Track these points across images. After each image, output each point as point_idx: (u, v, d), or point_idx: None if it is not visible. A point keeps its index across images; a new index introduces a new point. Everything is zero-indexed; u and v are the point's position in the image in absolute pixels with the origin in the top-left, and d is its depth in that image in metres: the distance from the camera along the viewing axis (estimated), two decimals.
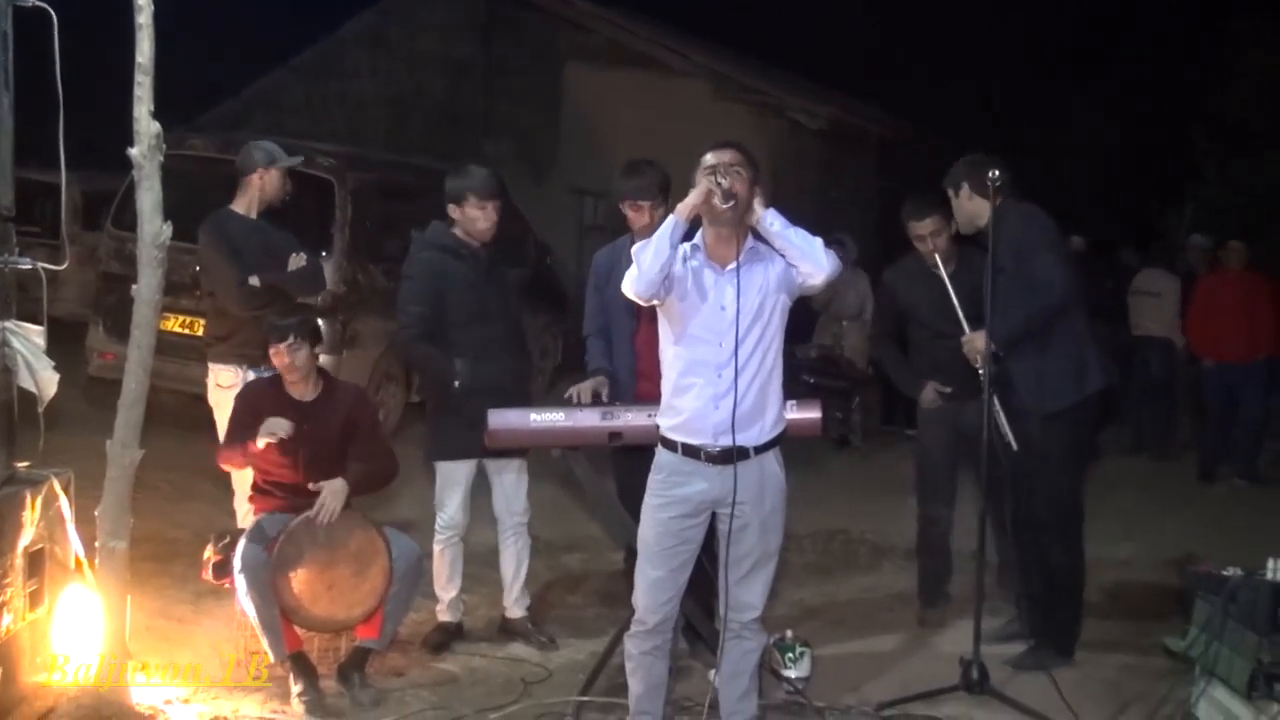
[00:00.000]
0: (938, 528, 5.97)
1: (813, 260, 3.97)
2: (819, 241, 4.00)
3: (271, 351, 4.97)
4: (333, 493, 4.83)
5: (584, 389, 5.08)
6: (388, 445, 5.24)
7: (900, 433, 10.92)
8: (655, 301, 4.01)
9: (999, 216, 5.20)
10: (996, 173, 5.08)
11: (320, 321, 7.62)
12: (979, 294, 5.22)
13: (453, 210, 5.38)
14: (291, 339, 4.89)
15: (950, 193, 5.53)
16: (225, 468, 5.13)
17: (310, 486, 4.85)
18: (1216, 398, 9.97)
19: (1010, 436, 5.28)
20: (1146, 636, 5.72)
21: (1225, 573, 4.68)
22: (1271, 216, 14.06)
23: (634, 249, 4.02)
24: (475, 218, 5.33)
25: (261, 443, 4.81)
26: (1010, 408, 5.29)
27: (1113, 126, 19.47)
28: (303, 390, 4.99)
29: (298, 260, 5.66)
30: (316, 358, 4.99)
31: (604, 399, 5.04)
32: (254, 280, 5.50)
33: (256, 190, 5.65)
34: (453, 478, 5.43)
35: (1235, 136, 15.94)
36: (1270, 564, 4.58)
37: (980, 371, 5.28)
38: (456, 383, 5.28)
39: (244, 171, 5.67)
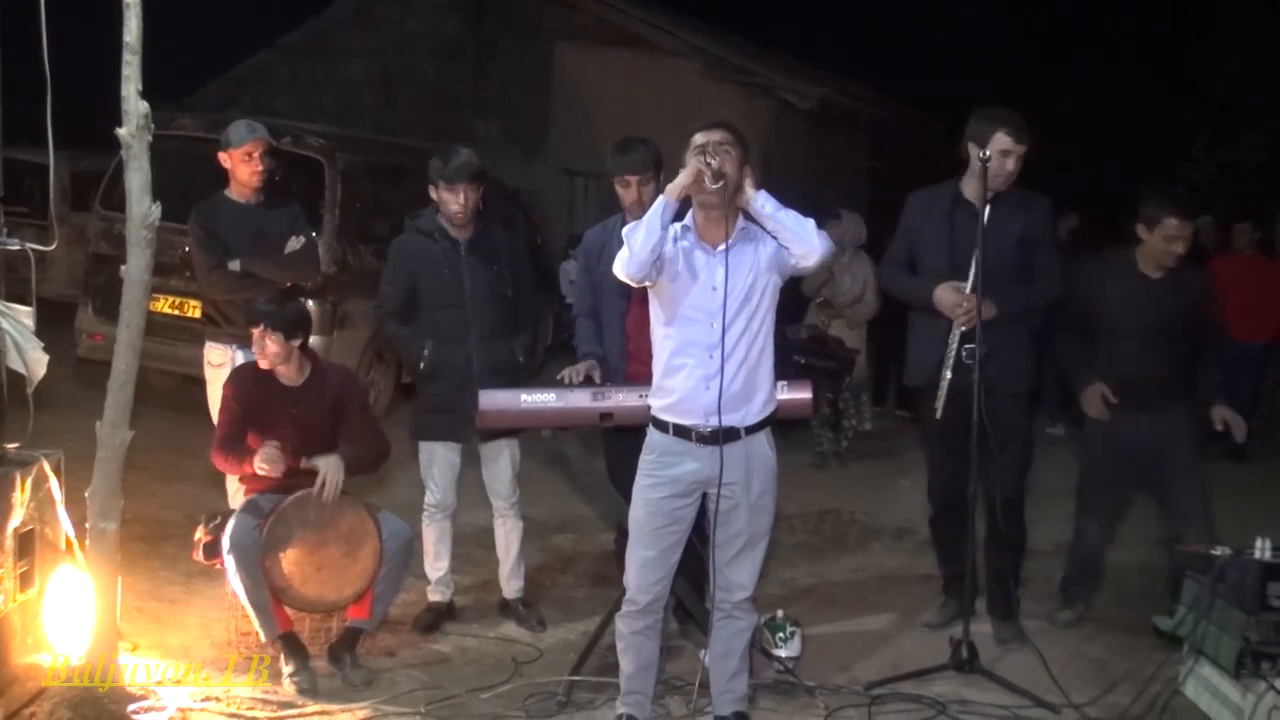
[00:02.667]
0: (1088, 539, 5.79)
1: (805, 242, 3.95)
2: (811, 223, 3.98)
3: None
4: (332, 468, 4.80)
5: (576, 373, 5.07)
6: (378, 426, 5.23)
7: (891, 414, 10.95)
8: (647, 283, 4.00)
9: (1025, 195, 5.31)
10: (988, 154, 5.00)
11: (310, 303, 7.68)
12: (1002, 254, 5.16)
13: (432, 193, 5.33)
14: (261, 326, 4.86)
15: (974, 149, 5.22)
16: (219, 468, 5.10)
17: (303, 463, 4.82)
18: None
19: (939, 404, 5.23)
20: (1134, 615, 5.75)
21: (1213, 552, 4.71)
22: (1260, 196, 14.06)
23: (625, 230, 4.01)
24: (446, 201, 5.27)
25: (260, 469, 4.76)
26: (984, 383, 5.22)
27: (1102, 106, 19.45)
28: (289, 375, 4.97)
29: (295, 243, 5.62)
30: (293, 349, 4.91)
31: (596, 382, 5.04)
32: (234, 265, 5.48)
33: (230, 172, 5.60)
34: (433, 457, 5.44)
35: (1224, 114, 15.92)
36: (1258, 543, 4.61)
37: (956, 323, 5.22)
38: (421, 364, 5.33)
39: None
